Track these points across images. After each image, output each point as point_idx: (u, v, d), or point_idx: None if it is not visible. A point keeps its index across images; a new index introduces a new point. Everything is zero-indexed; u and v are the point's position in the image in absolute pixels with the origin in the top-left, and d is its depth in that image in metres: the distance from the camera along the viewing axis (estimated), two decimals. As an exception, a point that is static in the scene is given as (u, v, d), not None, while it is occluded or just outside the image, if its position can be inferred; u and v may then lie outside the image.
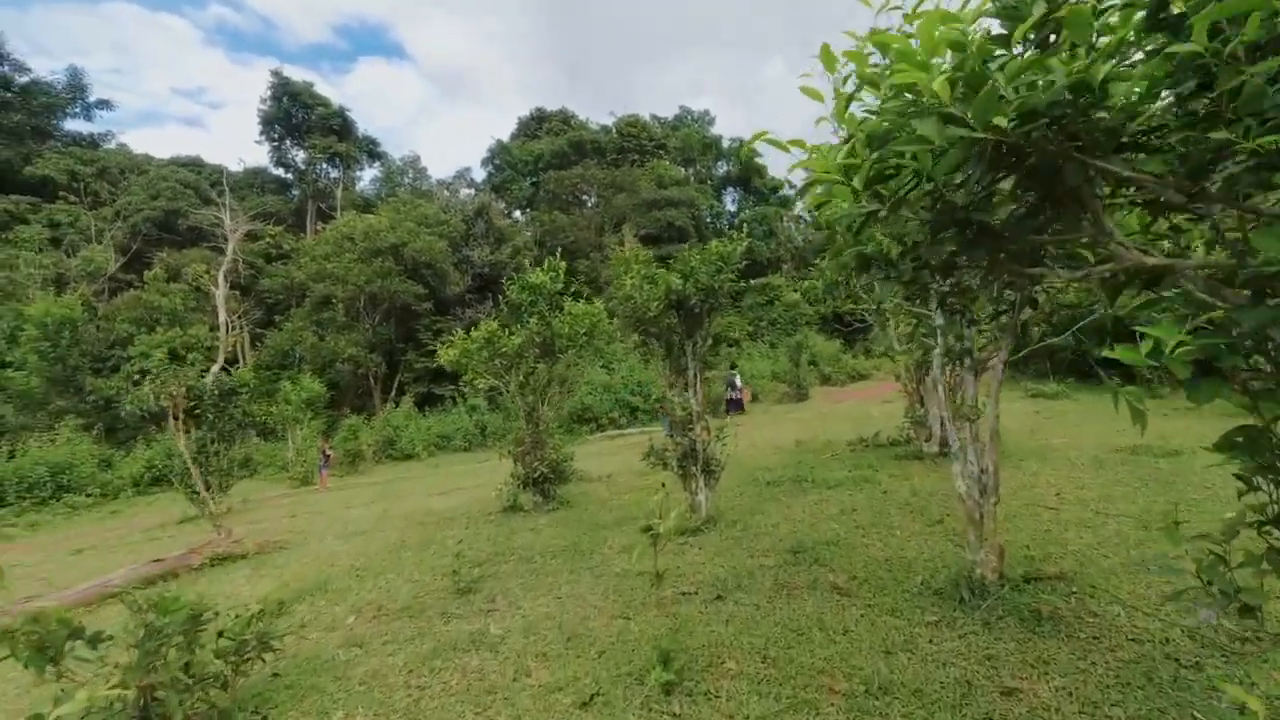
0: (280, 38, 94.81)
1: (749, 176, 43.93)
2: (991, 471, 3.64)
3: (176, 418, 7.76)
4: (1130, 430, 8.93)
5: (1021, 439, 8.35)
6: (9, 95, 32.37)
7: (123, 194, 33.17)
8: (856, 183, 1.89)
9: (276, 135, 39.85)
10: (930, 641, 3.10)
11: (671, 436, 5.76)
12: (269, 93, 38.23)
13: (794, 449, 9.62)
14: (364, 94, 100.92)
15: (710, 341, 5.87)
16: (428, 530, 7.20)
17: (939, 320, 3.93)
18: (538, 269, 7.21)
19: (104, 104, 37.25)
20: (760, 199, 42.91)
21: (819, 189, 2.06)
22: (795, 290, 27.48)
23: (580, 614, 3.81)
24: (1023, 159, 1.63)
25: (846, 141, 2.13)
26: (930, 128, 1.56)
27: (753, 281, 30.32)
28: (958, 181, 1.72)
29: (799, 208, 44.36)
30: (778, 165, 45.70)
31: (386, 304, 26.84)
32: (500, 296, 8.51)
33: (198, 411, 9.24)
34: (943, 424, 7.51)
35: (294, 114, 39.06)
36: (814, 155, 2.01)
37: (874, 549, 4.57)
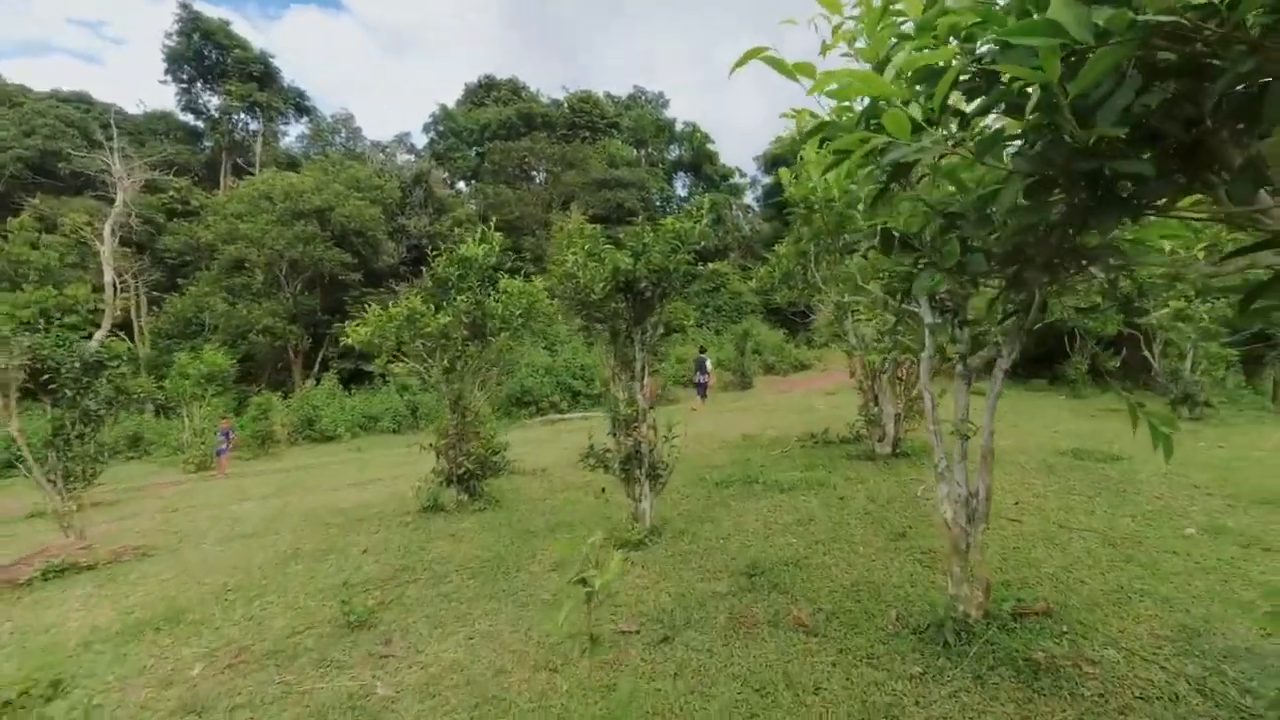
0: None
1: (700, 162, 43.45)
2: (983, 497, 3.17)
3: (7, 395, 6.35)
4: (1067, 432, 9.06)
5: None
6: None
7: (-11, 128, 28.79)
8: (918, 110, 1.24)
9: (185, 77, 35.79)
10: (917, 703, 2.59)
11: (614, 435, 5.08)
12: (176, 27, 34.14)
13: (741, 444, 9.18)
14: (295, 45, 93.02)
15: (662, 330, 5.22)
16: (329, 535, 6.23)
17: (929, 318, 3.41)
18: (470, 240, 6.29)
19: (-32, 22, 32.11)
20: (711, 185, 42.56)
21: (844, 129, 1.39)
22: (747, 279, 27.31)
23: (495, 663, 3.08)
24: (1203, 72, 1.02)
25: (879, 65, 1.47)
26: (1069, 10, 0.92)
27: (706, 266, 29.96)
28: (1093, 101, 1.09)
29: (748, 196, 44.43)
30: (729, 152, 45.50)
31: (310, 272, 24.63)
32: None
33: (53, 386, 7.74)
34: (896, 422, 7.24)
35: (206, 54, 35.16)
36: (845, 78, 1.33)
37: (838, 571, 4.08)
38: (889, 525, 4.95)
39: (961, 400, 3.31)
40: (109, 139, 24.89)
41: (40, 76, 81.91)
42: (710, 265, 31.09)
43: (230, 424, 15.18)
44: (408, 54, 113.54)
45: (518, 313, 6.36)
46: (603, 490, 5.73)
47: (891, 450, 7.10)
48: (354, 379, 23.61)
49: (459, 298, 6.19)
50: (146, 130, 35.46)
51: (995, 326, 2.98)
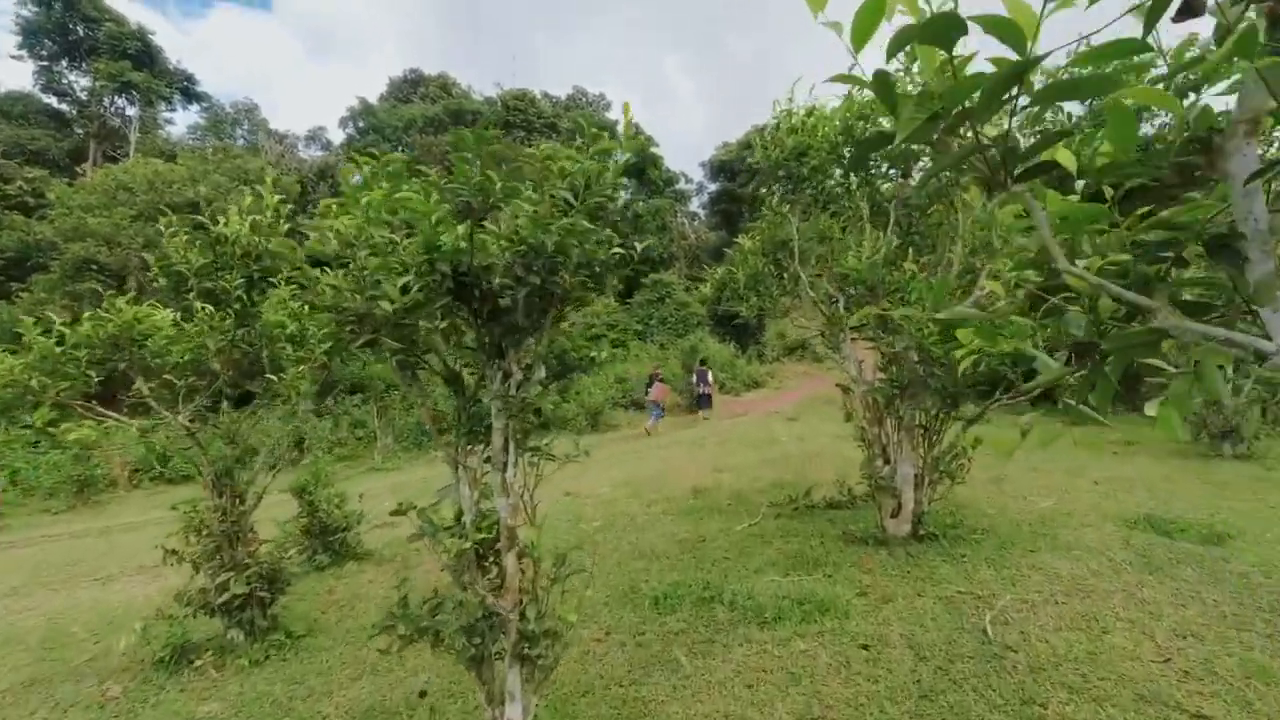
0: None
1: (644, 167, 41.48)
2: None
3: None
4: (1107, 480, 7.19)
5: (998, 496, 6.16)
6: None
7: None
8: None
9: (45, 53, 30.65)
10: None
11: (455, 578, 2.53)
12: (32, -8, 29.15)
13: (692, 505, 6.78)
14: (218, 44, 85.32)
15: (562, 373, 2.72)
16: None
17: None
18: (231, 209, 3.61)
19: None
20: (654, 191, 40.64)
21: None
22: (695, 288, 25.32)
23: None
24: None
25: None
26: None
27: (648, 279, 27.85)
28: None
29: (694, 203, 42.83)
30: (674, 157, 43.88)
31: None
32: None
33: None
34: (918, 487, 5.03)
35: (71, 27, 30.21)
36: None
37: None
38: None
39: None
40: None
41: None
42: (655, 275, 29.12)
43: None
44: (337, 55, 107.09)
45: (303, 332, 3.68)
46: (422, 694, 3.14)
47: (912, 530, 4.87)
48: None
49: (206, 310, 3.50)
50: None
51: None
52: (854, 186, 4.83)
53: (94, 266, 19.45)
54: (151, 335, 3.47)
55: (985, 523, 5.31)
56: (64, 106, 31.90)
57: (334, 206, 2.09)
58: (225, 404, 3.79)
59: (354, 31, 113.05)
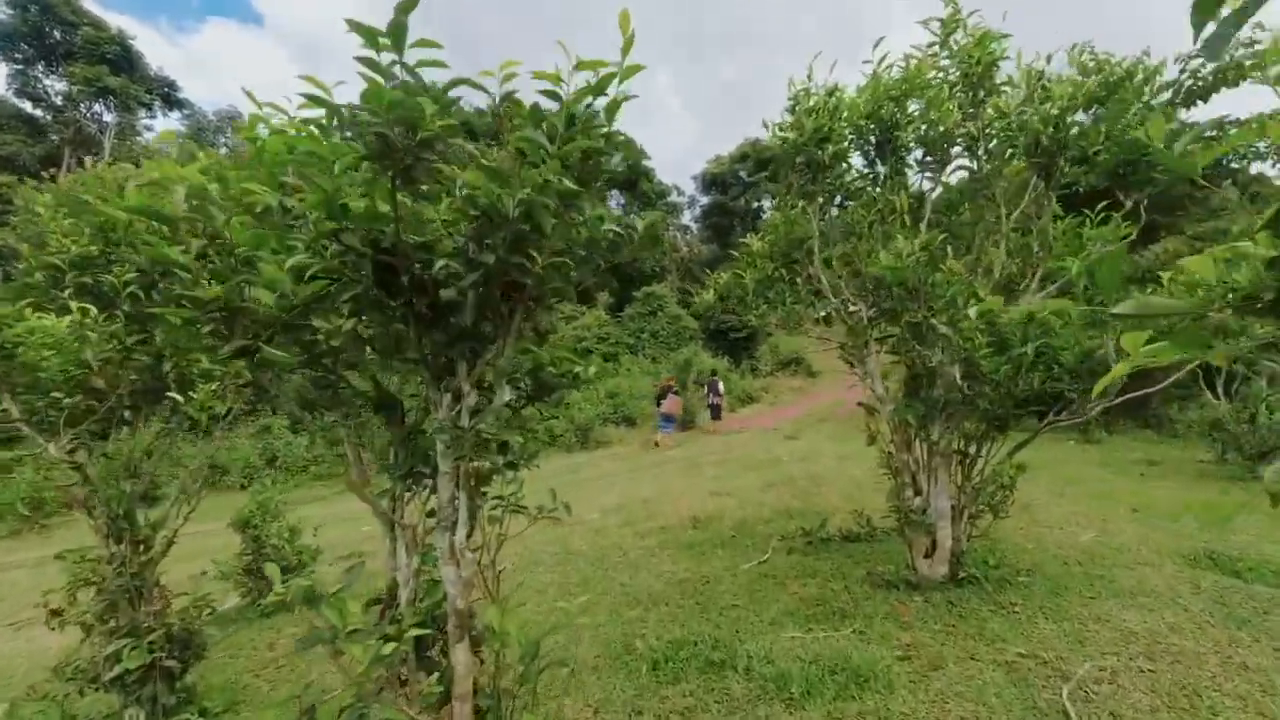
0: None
1: (636, 179, 41.14)
2: None
3: None
4: (1145, 507, 6.57)
5: (1031, 527, 5.51)
6: None
7: None
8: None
9: (21, 57, 29.80)
10: None
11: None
12: (5, -3, 28.36)
13: (691, 538, 6.08)
14: (211, 57, 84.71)
15: (537, 394, 2.02)
16: None
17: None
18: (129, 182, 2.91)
19: None
20: (646, 204, 40.26)
21: None
22: (688, 303, 24.78)
23: None
24: None
25: None
26: None
27: (639, 292, 27.31)
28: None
29: (686, 216, 42.60)
30: (666, 169, 43.58)
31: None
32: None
33: None
34: (955, 522, 4.37)
35: (48, 31, 29.42)
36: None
37: None
38: None
39: None
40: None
41: None
42: (647, 289, 28.53)
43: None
44: (323, 66, 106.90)
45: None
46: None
47: (950, 572, 4.20)
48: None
49: (88, 311, 2.79)
50: (-33, 116, 29.01)
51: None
52: (882, 178, 4.23)
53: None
54: (23, 344, 2.75)
55: (1026, 560, 4.66)
56: (38, 112, 30.97)
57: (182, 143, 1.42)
58: (125, 429, 3.06)
59: (346, 43, 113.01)
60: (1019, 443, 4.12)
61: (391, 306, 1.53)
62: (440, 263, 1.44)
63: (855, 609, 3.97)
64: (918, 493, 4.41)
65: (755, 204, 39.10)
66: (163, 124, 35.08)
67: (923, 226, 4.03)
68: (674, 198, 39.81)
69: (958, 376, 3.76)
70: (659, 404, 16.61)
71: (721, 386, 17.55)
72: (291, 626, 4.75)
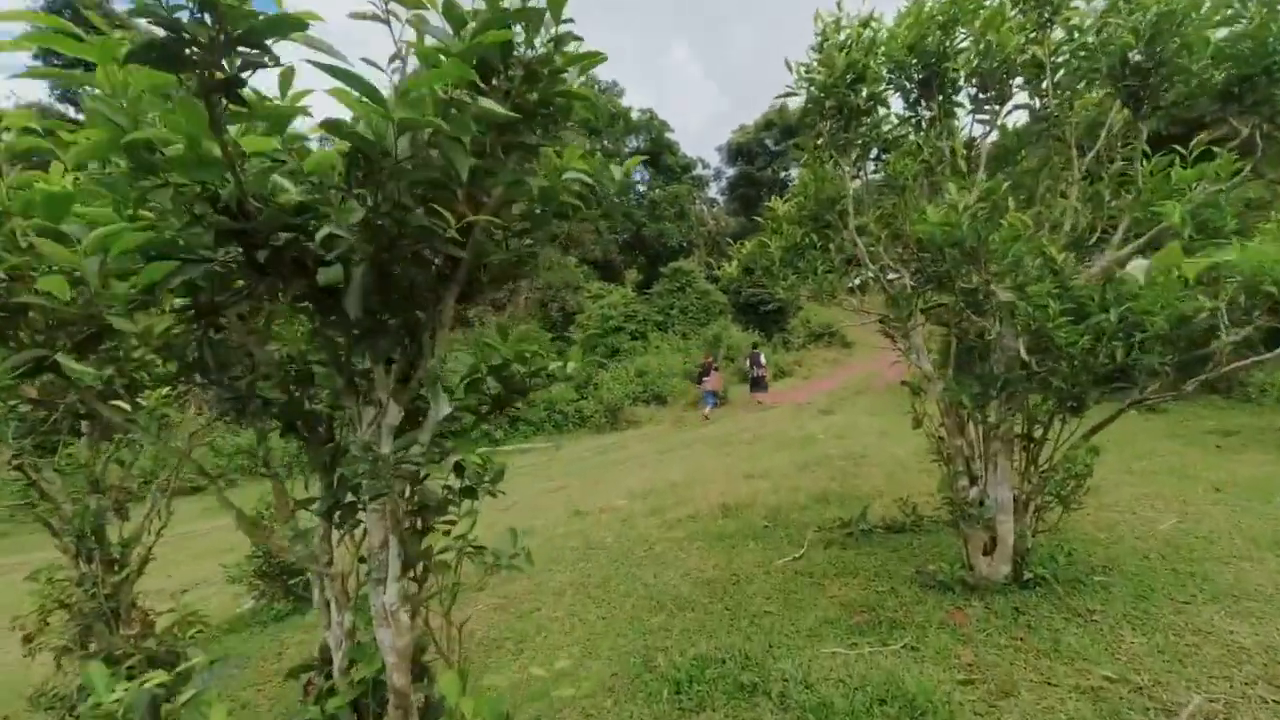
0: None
1: (660, 152, 40.05)
2: None
3: None
4: (1230, 485, 5.86)
5: (1100, 512, 4.90)
6: None
7: None
8: None
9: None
10: None
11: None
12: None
13: (721, 529, 5.67)
14: None
15: (501, 403, 1.60)
16: None
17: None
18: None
19: None
20: (671, 178, 39.22)
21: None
22: (715, 278, 24.12)
23: None
24: None
25: None
26: None
27: (667, 268, 26.69)
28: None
29: (712, 189, 41.44)
30: (689, 142, 42.41)
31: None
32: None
33: None
34: (1019, 514, 3.83)
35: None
36: None
37: None
38: None
39: None
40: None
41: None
42: (674, 264, 27.84)
43: None
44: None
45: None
46: None
47: (1013, 573, 3.68)
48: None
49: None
50: None
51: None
52: (926, 122, 3.63)
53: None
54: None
55: (1100, 555, 4.10)
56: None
57: None
58: (85, 438, 2.81)
59: (367, 32, 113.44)
60: (1095, 425, 3.54)
61: (271, 292, 1.13)
62: (324, 231, 1.03)
63: (905, 617, 3.51)
64: (973, 482, 3.88)
65: (782, 173, 37.65)
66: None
67: (980, 175, 3.43)
68: (700, 171, 38.66)
69: (1022, 350, 3.20)
70: (700, 381, 16.95)
71: (764, 358, 17.52)
72: (302, 633, 4.58)
